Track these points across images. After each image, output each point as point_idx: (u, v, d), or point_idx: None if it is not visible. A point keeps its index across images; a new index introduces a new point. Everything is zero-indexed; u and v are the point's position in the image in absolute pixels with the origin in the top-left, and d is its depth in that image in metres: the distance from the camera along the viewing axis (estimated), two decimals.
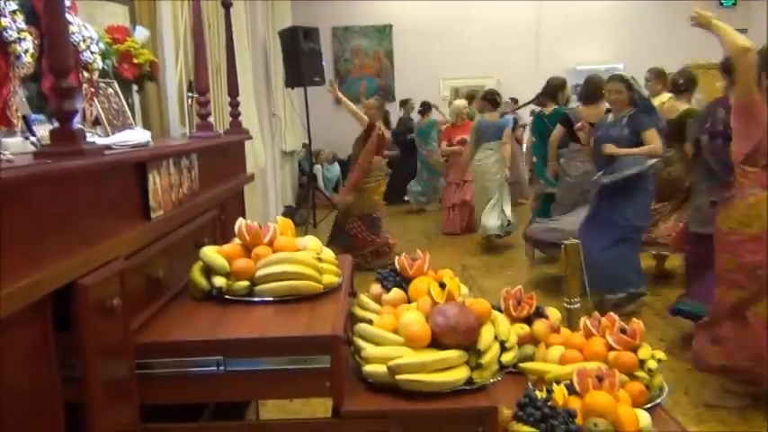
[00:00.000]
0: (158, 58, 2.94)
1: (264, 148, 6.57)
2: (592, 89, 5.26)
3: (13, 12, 1.55)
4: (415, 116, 10.05)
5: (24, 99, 1.78)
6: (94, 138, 1.77)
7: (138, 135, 1.83)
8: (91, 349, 1.23)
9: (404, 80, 11.61)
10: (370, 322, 1.80)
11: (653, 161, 4.21)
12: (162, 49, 3.15)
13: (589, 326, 1.94)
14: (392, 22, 11.71)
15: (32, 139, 1.64)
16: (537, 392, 1.62)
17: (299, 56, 7.48)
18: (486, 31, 11.37)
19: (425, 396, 1.59)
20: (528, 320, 2.04)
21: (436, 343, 1.66)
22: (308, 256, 1.88)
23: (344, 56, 11.78)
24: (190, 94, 3.43)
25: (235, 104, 2.90)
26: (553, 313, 2.10)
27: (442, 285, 1.80)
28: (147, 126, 2.82)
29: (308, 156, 9.07)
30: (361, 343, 1.73)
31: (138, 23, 2.91)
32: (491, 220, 6.51)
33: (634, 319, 1.89)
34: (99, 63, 2.09)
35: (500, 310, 2.03)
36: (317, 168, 10.13)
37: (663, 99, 5.11)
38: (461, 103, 7.89)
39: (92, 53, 2.03)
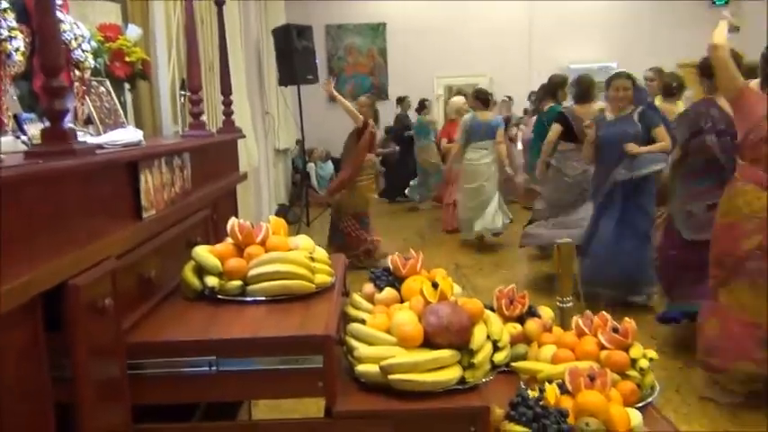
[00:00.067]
0: (151, 56, 2.93)
1: (258, 146, 6.56)
2: (584, 88, 5.27)
3: (4, 10, 1.55)
4: (412, 113, 10.07)
5: (15, 97, 1.77)
6: (86, 137, 1.76)
7: (129, 134, 1.83)
8: (82, 349, 1.23)
9: (397, 78, 11.61)
10: (362, 322, 1.80)
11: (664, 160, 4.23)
12: (154, 48, 3.14)
13: (581, 325, 1.95)
14: (386, 21, 11.71)
15: (23, 138, 1.63)
16: (529, 392, 1.62)
17: (293, 54, 7.46)
18: (479, 30, 11.38)
19: (418, 396, 1.59)
20: (520, 320, 2.04)
21: (429, 343, 1.66)
22: (300, 256, 1.87)
23: (338, 54, 11.77)
24: (182, 93, 3.42)
25: (228, 103, 2.90)
26: (546, 312, 2.10)
27: (435, 285, 1.80)
28: (139, 125, 2.80)
29: (301, 154, 9.07)
30: (354, 343, 1.73)
31: (131, 22, 2.90)
32: (497, 218, 6.55)
33: (626, 319, 1.89)
34: (91, 61, 2.08)
35: (493, 310, 2.03)
36: (311, 167, 10.13)
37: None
38: (460, 99, 7.87)
39: (83, 51, 2.02)
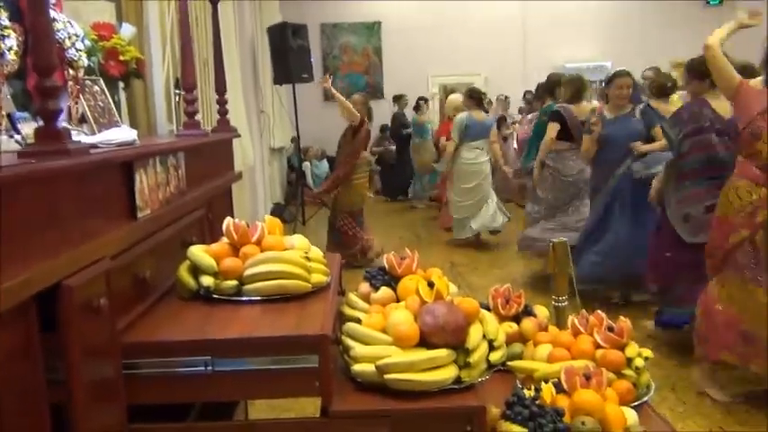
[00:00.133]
0: (145, 55, 2.92)
1: (253, 145, 6.55)
2: (576, 88, 5.27)
3: None
4: (409, 112, 10.08)
5: (9, 96, 1.76)
6: (80, 136, 1.76)
7: (123, 133, 1.82)
8: (76, 350, 1.22)
9: (392, 77, 11.62)
10: (358, 321, 1.79)
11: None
12: (148, 46, 3.13)
13: (577, 324, 1.95)
14: (381, 20, 11.71)
15: (17, 137, 1.63)
16: (525, 391, 1.62)
17: (288, 52, 7.45)
18: (474, 29, 11.39)
19: (414, 395, 1.59)
20: (516, 319, 2.04)
21: (425, 342, 1.66)
22: (296, 255, 1.87)
23: (333, 53, 11.77)
24: (177, 92, 3.41)
25: (222, 102, 2.89)
26: (541, 311, 2.10)
27: (431, 284, 1.80)
28: (133, 124, 2.80)
29: (296, 152, 9.05)
30: (350, 342, 1.73)
31: (125, 20, 2.89)
32: (497, 217, 6.58)
33: (621, 317, 1.89)
34: (84, 60, 2.07)
35: (488, 309, 2.03)
36: (306, 165, 10.13)
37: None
38: (459, 97, 7.84)
39: (77, 50, 2.01)
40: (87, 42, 2.15)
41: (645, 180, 4.17)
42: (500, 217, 6.60)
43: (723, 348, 3.03)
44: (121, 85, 2.52)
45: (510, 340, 1.95)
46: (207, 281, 1.79)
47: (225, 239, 1.93)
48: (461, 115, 6.57)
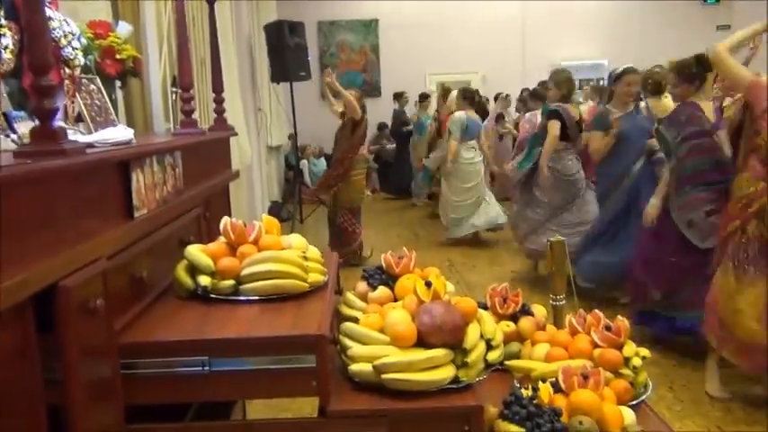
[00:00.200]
0: (142, 53, 2.91)
1: (250, 143, 6.54)
2: (569, 88, 5.27)
3: None
4: (408, 109, 10.06)
5: (5, 95, 1.75)
6: (77, 135, 1.75)
7: (120, 133, 1.81)
8: (73, 351, 1.22)
9: (390, 75, 11.61)
10: (356, 321, 1.79)
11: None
12: (145, 45, 3.12)
13: (575, 323, 1.95)
14: (378, 17, 11.70)
15: (13, 136, 1.61)
16: (523, 390, 1.62)
17: (285, 50, 7.44)
18: (472, 27, 11.39)
19: (412, 395, 1.58)
20: (514, 318, 2.04)
21: (422, 342, 1.66)
22: (293, 255, 1.86)
23: (330, 50, 11.75)
24: (174, 90, 3.40)
25: (220, 101, 2.88)
26: (539, 310, 2.10)
27: (428, 284, 1.80)
28: (130, 122, 2.79)
29: (294, 151, 9.04)
30: (348, 342, 1.73)
31: (121, 18, 2.88)
32: (500, 214, 6.61)
33: (619, 317, 1.89)
34: (81, 59, 2.06)
35: (486, 308, 2.03)
36: (304, 163, 10.12)
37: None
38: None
39: (73, 49, 2.00)
40: (83, 41, 2.14)
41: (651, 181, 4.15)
42: (502, 215, 6.62)
43: (709, 330, 3.09)
44: (118, 83, 2.51)
45: (507, 339, 1.95)
46: (204, 280, 1.79)
47: (222, 239, 1.92)
48: (461, 115, 6.56)
